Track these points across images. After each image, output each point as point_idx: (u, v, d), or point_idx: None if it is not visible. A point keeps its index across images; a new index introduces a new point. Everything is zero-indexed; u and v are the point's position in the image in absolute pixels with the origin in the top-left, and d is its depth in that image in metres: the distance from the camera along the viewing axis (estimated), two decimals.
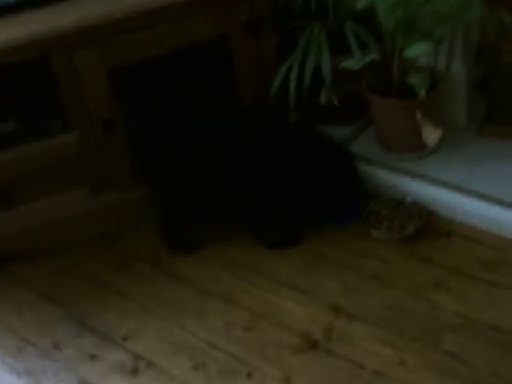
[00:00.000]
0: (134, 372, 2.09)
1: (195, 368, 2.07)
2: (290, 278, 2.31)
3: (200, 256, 2.44)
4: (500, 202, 2.31)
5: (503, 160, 2.45)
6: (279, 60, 2.48)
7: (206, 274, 2.36)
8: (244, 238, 2.45)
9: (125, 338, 2.19)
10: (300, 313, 2.18)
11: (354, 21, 2.41)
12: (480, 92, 2.57)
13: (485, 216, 2.33)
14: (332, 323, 2.13)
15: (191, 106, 2.46)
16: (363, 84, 2.50)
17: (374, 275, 2.27)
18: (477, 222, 2.35)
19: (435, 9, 2.23)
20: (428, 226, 2.39)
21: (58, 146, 2.41)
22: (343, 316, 2.15)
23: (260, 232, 2.45)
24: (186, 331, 2.18)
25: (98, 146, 2.43)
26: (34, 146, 2.39)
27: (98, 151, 2.45)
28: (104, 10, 2.27)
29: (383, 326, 2.09)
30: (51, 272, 2.46)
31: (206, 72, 2.49)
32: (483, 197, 2.34)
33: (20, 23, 2.24)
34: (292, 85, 2.40)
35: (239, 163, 2.36)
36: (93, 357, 2.15)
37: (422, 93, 2.36)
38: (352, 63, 2.34)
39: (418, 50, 2.29)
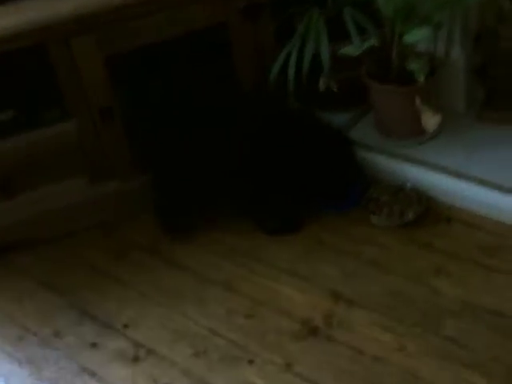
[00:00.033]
0: (135, 360, 2.09)
1: (196, 355, 2.07)
2: (289, 264, 2.31)
3: (199, 243, 2.44)
4: (499, 188, 2.31)
5: (502, 146, 2.45)
6: (278, 47, 2.47)
7: (205, 262, 2.37)
8: (243, 226, 2.44)
9: (125, 326, 2.19)
10: (300, 299, 2.19)
11: (353, 7, 2.40)
12: (479, 78, 2.56)
13: (484, 201, 2.33)
14: (332, 309, 2.14)
15: (190, 93, 2.45)
16: (362, 70, 2.49)
17: (373, 261, 2.27)
18: (476, 207, 2.35)
19: None
20: (427, 212, 2.39)
21: (56, 135, 2.40)
22: (343, 302, 2.16)
23: (259, 219, 2.45)
24: (187, 318, 2.18)
25: (96, 134, 2.43)
26: (32, 135, 2.38)
27: (96, 140, 2.44)
28: None
29: (383, 312, 2.10)
30: (51, 261, 2.46)
31: (205, 59, 2.48)
32: (482, 182, 2.34)
33: (18, 11, 2.23)
34: (291, 71, 2.39)
35: (238, 150, 2.36)
36: (93, 345, 2.15)
37: (422, 78, 2.35)
38: (351, 49, 2.34)
39: (417, 36, 2.29)
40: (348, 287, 2.20)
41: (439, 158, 2.45)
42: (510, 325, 2.00)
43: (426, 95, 2.42)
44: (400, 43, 2.36)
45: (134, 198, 2.53)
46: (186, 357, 2.07)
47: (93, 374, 2.07)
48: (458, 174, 2.38)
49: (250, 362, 2.03)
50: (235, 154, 2.36)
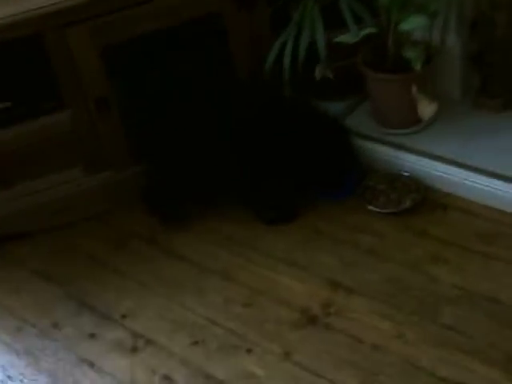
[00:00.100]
0: (134, 350, 2.09)
1: (195, 344, 2.08)
2: (286, 253, 2.31)
3: (196, 233, 2.44)
4: (495, 175, 2.31)
5: (498, 133, 2.45)
6: (273, 35, 2.46)
7: (202, 251, 2.37)
8: (240, 215, 2.44)
9: (124, 316, 2.19)
10: (298, 288, 2.19)
11: None
12: (475, 65, 2.56)
13: (480, 189, 2.33)
14: (330, 298, 2.14)
15: (186, 82, 2.44)
16: (358, 58, 2.48)
17: (370, 249, 2.28)
18: (473, 195, 2.35)
19: None
20: (424, 200, 2.39)
21: (52, 125, 2.40)
22: (341, 291, 2.16)
23: (256, 208, 2.45)
24: (185, 308, 2.19)
25: (92, 124, 2.42)
26: (28, 125, 2.37)
27: (92, 130, 2.43)
28: None
29: (381, 300, 2.10)
30: (48, 251, 2.46)
31: (201, 48, 2.47)
32: (478, 170, 2.34)
33: (14, 1, 2.21)
34: (286, 60, 2.38)
35: (234, 139, 2.35)
36: (92, 335, 2.15)
37: (418, 66, 2.35)
38: (348, 37, 2.32)
39: (413, 24, 2.29)
40: (346, 275, 2.20)
41: (435, 145, 2.45)
42: (507, 312, 2.01)
43: (422, 83, 2.42)
44: (396, 31, 2.35)
45: (130, 188, 2.52)
46: (185, 346, 2.07)
47: (91, 365, 2.07)
48: (454, 162, 2.39)
49: (249, 350, 2.03)
50: (231, 142, 2.35)
